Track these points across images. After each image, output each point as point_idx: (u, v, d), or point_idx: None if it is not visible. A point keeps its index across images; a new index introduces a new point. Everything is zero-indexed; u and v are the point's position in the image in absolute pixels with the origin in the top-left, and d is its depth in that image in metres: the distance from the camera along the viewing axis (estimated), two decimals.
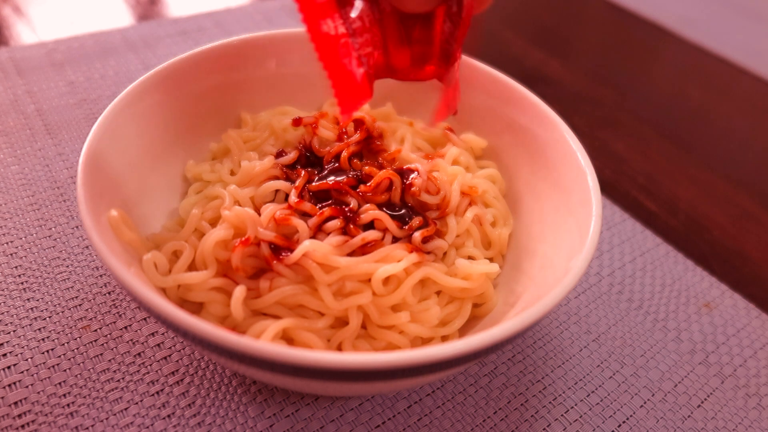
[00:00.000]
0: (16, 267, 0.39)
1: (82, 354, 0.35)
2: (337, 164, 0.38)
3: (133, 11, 0.72)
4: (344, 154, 0.38)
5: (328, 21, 0.31)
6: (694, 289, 0.45)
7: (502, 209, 0.40)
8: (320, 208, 0.34)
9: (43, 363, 0.34)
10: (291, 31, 0.44)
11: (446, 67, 0.32)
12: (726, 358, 0.40)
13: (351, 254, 0.33)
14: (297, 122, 0.40)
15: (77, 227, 0.42)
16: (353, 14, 0.31)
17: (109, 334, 0.36)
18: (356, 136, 0.39)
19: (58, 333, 0.35)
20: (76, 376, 0.34)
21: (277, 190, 0.37)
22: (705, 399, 0.38)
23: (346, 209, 0.34)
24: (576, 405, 0.36)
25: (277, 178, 0.37)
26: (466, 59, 0.44)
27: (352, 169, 0.38)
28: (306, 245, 0.31)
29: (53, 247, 0.40)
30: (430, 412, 0.35)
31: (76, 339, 0.35)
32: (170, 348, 0.36)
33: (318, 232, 0.34)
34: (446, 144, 0.43)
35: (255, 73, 0.44)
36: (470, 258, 0.37)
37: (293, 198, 0.35)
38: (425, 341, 0.34)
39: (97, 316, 0.37)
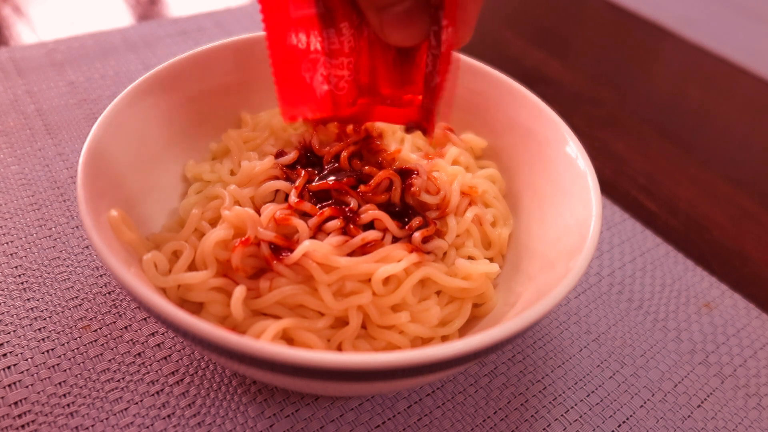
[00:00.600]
0: (16, 267, 0.39)
1: (82, 354, 0.35)
2: (337, 164, 0.38)
3: (133, 11, 0.72)
4: (344, 154, 0.38)
5: (300, 35, 0.33)
6: (694, 289, 0.45)
7: (502, 209, 0.40)
8: (320, 208, 0.34)
9: (43, 363, 0.34)
10: None
11: (431, 99, 0.33)
12: (726, 358, 0.40)
13: (351, 254, 0.33)
14: None
15: (77, 227, 0.42)
16: (336, 36, 0.33)
17: (109, 334, 0.36)
18: (356, 136, 0.39)
19: (58, 333, 0.35)
20: (76, 376, 0.34)
21: (277, 190, 0.37)
22: (705, 399, 0.38)
23: (346, 209, 0.34)
24: (576, 405, 0.36)
25: (277, 178, 0.37)
26: (466, 59, 0.44)
27: (352, 169, 0.38)
28: (306, 245, 0.31)
29: (53, 247, 0.40)
30: (430, 412, 0.35)
31: (76, 339, 0.35)
32: (170, 348, 0.36)
33: (318, 232, 0.34)
34: (446, 144, 0.43)
35: (255, 73, 0.44)
36: (470, 258, 0.37)
37: (293, 198, 0.35)
38: (425, 341, 0.34)
39: (97, 316, 0.37)
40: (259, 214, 0.34)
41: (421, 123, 0.35)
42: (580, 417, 0.36)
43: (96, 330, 0.36)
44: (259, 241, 0.32)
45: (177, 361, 0.35)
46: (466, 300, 0.35)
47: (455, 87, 0.33)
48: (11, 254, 0.39)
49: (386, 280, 0.33)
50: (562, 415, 0.36)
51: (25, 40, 0.63)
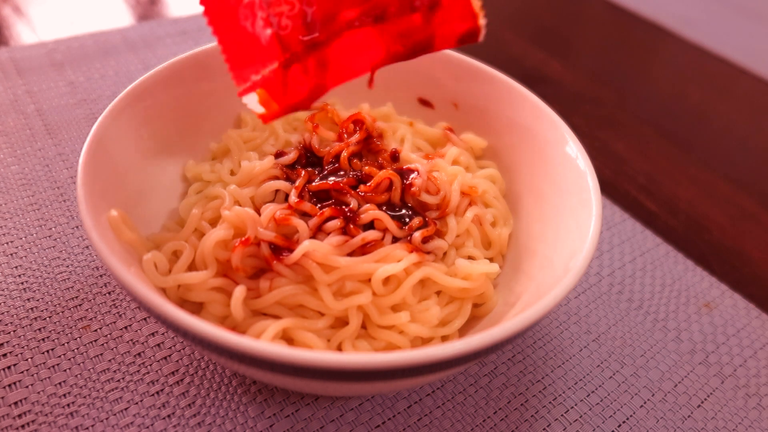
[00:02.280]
0: (16, 267, 0.39)
1: (82, 354, 0.35)
2: (337, 164, 0.38)
3: (133, 11, 0.72)
4: (344, 154, 0.38)
5: None
6: (694, 289, 0.45)
7: (502, 209, 0.40)
8: (320, 208, 0.34)
9: (43, 363, 0.34)
10: None
11: None
12: (726, 358, 0.40)
13: (351, 254, 0.33)
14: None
15: (77, 227, 0.42)
16: None
17: (109, 334, 0.36)
18: (356, 136, 0.39)
19: (58, 333, 0.35)
20: (76, 376, 0.34)
21: (277, 190, 0.37)
22: (705, 399, 0.38)
23: (346, 209, 0.34)
24: (576, 405, 0.36)
25: (277, 178, 0.37)
26: (466, 59, 0.44)
27: (352, 169, 0.38)
28: (306, 245, 0.31)
29: (53, 247, 0.40)
30: (430, 412, 0.35)
31: (76, 339, 0.35)
32: (170, 348, 0.36)
33: (318, 232, 0.34)
34: (446, 144, 0.43)
35: None
36: (470, 258, 0.37)
37: (293, 198, 0.35)
38: (425, 341, 0.34)
39: (97, 316, 0.37)
40: (259, 214, 0.34)
41: (421, 41, 0.29)
42: (580, 417, 0.36)
43: (96, 330, 0.36)
44: (259, 241, 0.32)
45: (177, 361, 0.35)
46: (466, 300, 0.35)
47: None
48: (11, 254, 0.39)
49: (386, 280, 0.33)
50: (562, 415, 0.36)
51: (25, 40, 0.63)
